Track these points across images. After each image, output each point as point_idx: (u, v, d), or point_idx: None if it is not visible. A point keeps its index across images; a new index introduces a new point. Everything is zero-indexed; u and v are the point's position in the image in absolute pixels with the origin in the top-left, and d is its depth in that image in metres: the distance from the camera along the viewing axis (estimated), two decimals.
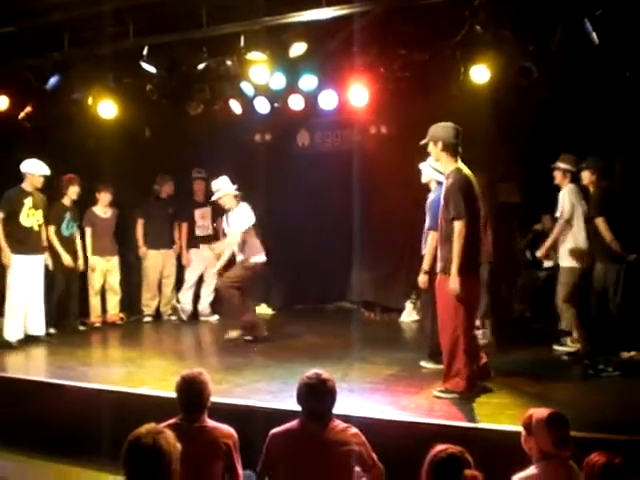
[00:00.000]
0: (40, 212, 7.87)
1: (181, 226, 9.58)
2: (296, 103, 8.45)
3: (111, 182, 9.07)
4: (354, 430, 3.79)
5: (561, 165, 6.93)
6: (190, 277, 9.60)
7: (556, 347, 7.10)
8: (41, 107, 8.60)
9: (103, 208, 9.09)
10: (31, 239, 7.78)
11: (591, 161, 6.66)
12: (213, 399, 3.94)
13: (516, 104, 7.67)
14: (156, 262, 9.47)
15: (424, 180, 6.50)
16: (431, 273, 6.01)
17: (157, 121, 9.50)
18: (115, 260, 9.17)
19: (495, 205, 7.70)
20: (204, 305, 9.62)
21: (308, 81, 7.96)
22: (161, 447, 2.68)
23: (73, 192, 8.52)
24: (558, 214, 6.83)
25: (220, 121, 9.15)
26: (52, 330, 8.30)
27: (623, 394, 5.65)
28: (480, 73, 7.06)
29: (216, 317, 9.58)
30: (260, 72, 7.66)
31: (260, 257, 7.86)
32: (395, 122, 9.39)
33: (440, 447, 3.11)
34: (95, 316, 9.06)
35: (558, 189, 6.96)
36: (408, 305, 9.35)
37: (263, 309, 9.79)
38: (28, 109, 8.63)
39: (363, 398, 5.39)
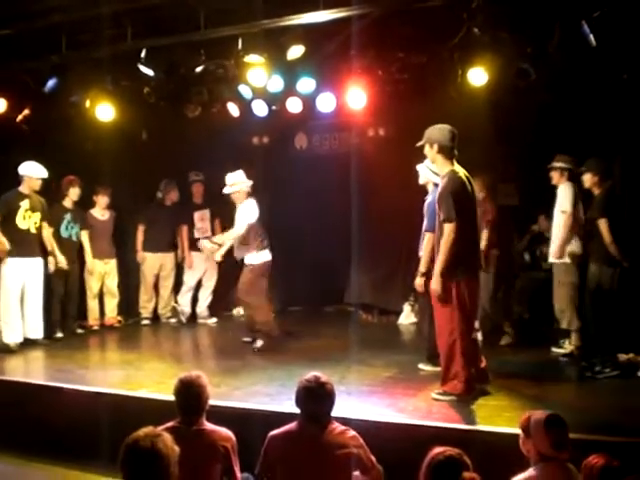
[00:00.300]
0: (38, 214, 7.85)
1: (181, 229, 9.57)
2: (294, 106, 8.45)
3: (109, 185, 9.05)
4: (352, 433, 3.79)
5: (557, 164, 6.93)
6: (189, 280, 9.59)
7: (554, 349, 7.10)
8: (39, 110, 8.60)
9: (101, 210, 9.09)
10: (28, 242, 7.77)
11: (591, 163, 6.64)
12: (211, 402, 3.94)
13: (514, 106, 7.68)
14: (153, 264, 9.46)
15: (421, 182, 6.50)
16: (428, 275, 6.01)
17: (155, 124, 9.50)
18: (113, 263, 9.16)
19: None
20: (202, 308, 9.62)
21: (306, 84, 7.97)
22: (159, 450, 2.68)
23: (74, 194, 8.52)
24: (561, 209, 6.77)
25: (218, 124, 9.15)
26: (59, 334, 8.30)
27: (621, 396, 5.66)
28: (478, 75, 7.06)
29: (214, 320, 9.58)
30: (258, 75, 7.66)
31: (265, 256, 7.83)
32: (393, 125, 9.40)
33: (438, 449, 3.12)
34: (93, 319, 9.05)
35: (555, 190, 6.97)
36: (406, 307, 9.36)
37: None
38: (26, 112, 8.62)
39: (361, 400, 5.39)
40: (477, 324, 6.41)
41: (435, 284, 5.34)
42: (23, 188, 7.77)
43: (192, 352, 8.54)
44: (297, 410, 3.86)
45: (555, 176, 6.96)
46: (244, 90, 8.21)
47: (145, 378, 6.34)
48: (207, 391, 3.88)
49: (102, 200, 9.04)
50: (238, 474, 3.83)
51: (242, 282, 7.74)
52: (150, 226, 9.43)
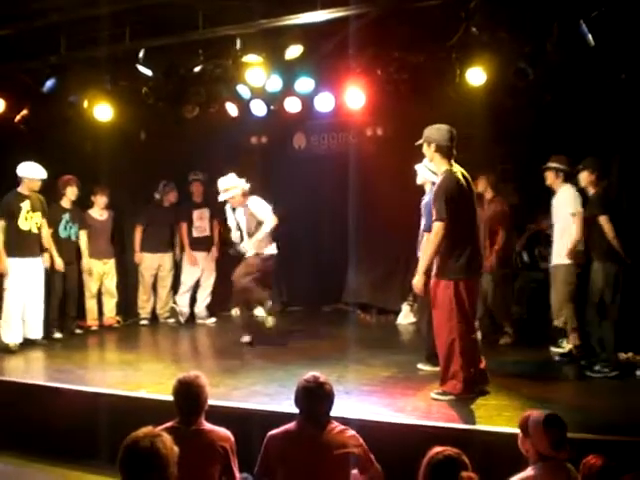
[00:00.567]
0: (38, 214, 7.84)
1: (181, 226, 9.55)
2: (292, 105, 8.45)
3: (107, 185, 9.05)
4: (352, 432, 3.80)
5: (553, 164, 6.92)
6: (187, 280, 9.58)
7: (553, 349, 7.10)
8: (37, 110, 8.59)
9: (99, 211, 9.08)
10: (29, 242, 7.77)
11: (589, 161, 6.62)
12: (210, 402, 3.94)
13: (512, 106, 7.68)
14: (151, 264, 9.46)
15: (419, 181, 6.51)
16: (427, 275, 6.01)
17: (153, 124, 9.48)
18: (112, 263, 9.15)
19: None
20: (201, 308, 9.61)
21: (304, 83, 7.97)
22: (158, 450, 2.68)
23: (71, 193, 8.50)
24: (571, 211, 6.74)
25: (216, 124, 9.15)
26: (58, 334, 8.30)
27: (620, 396, 5.67)
28: (476, 75, 7.07)
29: (213, 320, 9.57)
30: (256, 75, 7.66)
31: (273, 249, 7.82)
32: (391, 125, 9.40)
33: (437, 449, 3.12)
34: (92, 319, 9.04)
35: (550, 190, 6.97)
36: (405, 307, 9.35)
37: (260, 312, 9.78)
38: (24, 112, 8.62)
39: (360, 400, 5.39)
40: (477, 324, 6.42)
41: (417, 281, 5.47)
42: (22, 189, 7.75)
43: (191, 352, 8.54)
44: (296, 410, 3.86)
45: (550, 176, 6.95)
46: (242, 90, 8.21)
47: (144, 378, 6.33)
48: (206, 391, 3.88)
49: (101, 200, 9.03)
50: (237, 474, 3.83)
51: (249, 265, 7.68)
52: (148, 226, 9.42)
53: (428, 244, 5.41)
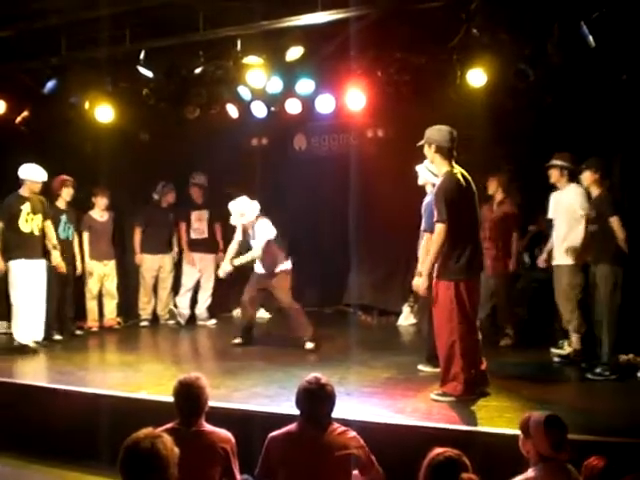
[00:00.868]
0: (39, 216, 7.79)
1: (180, 226, 9.54)
2: (293, 107, 8.46)
3: (108, 186, 9.05)
4: (353, 433, 3.79)
5: (557, 162, 6.88)
6: (187, 282, 9.58)
7: (554, 350, 7.09)
8: (38, 111, 8.61)
9: (100, 212, 9.08)
10: (31, 244, 7.73)
11: (592, 161, 6.59)
12: (211, 403, 3.93)
13: (513, 107, 7.68)
14: (152, 266, 9.45)
15: (420, 182, 6.50)
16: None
17: (154, 125, 9.50)
18: (112, 264, 9.15)
19: None
20: (201, 309, 9.61)
21: (305, 85, 7.98)
22: (159, 451, 2.68)
23: (67, 194, 8.45)
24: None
25: (217, 125, 9.16)
26: (57, 336, 8.28)
27: (621, 397, 5.66)
28: (477, 76, 7.08)
29: (213, 321, 9.57)
30: (257, 76, 7.68)
31: (286, 265, 7.75)
32: (392, 126, 9.41)
33: (438, 450, 3.11)
34: (92, 320, 9.04)
35: (554, 190, 6.96)
36: (405, 308, 9.35)
37: (261, 313, 9.78)
38: (25, 113, 8.64)
39: (361, 402, 5.38)
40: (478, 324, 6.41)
41: (421, 283, 5.46)
42: (23, 191, 7.71)
43: (191, 354, 8.54)
44: (297, 411, 3.85)
45: (554, 174, 6.90)
46: (243, 91, 8.22)
47: (144, 380, 6.32)
48: (206, 392, 3.88)
49: (101, 201, 9.02)
50: (237, 476, 3.82)
51: (284, 288, 7.66)
52: (147, 228, 9.42)
53: (431, 245, 5.40)
